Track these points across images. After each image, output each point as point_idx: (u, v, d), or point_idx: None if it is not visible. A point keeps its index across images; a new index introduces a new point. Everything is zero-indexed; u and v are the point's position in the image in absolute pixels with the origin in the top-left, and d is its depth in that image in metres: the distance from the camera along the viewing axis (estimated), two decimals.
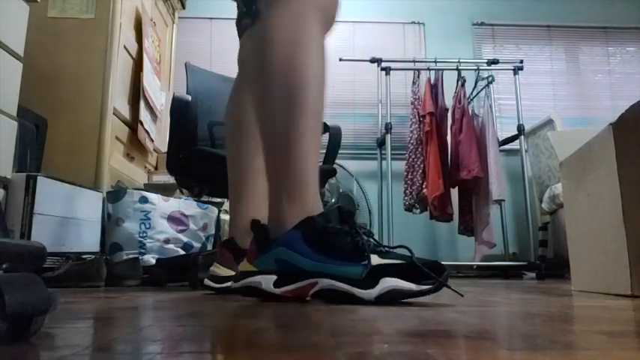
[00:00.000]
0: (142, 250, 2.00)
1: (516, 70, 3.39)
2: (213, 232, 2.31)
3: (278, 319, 0.64)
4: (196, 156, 1.66)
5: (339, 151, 1.95)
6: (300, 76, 0.95)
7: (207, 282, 1.22)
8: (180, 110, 1.75)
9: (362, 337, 0.48)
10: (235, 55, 1.29)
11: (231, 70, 2.35)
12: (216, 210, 2.35)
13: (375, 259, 0.84)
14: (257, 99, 1.02)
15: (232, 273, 1.15)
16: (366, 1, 4.13)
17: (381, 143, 3.51)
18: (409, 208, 3.32)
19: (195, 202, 2.21)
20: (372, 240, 0.88)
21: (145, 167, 2.84)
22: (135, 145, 2.65)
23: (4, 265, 0.47)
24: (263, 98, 0.99)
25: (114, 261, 1.92)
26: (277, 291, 0.88)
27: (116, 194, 2.08)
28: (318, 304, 0.84)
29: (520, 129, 3.28)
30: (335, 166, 1.94)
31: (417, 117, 3.35)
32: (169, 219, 2.09)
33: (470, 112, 3.32)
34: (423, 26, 4.14)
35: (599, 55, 4.24)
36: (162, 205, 2.09)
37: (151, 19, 2.92)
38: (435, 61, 3.42)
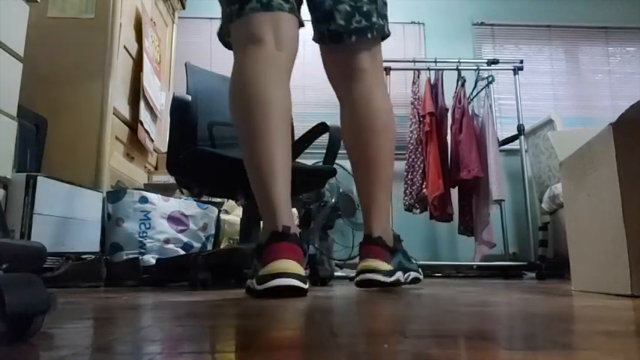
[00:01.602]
0: (142, 250, 2.00)
1: (516, 70, 3.39)
2: (213, 232, 2.31)
3: (278, 319, 0.64)
4: (196, 156, 1.66)
5: (339, 151, 1.95)
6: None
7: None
8: (180, 110, 1.74)
9: (362, 337, 0.48)
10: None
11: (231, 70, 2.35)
12: (216, 210, 2.35)
13: None
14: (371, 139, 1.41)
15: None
16: None
17: None
18: (409, 208, 3.32)
19: (195, 202, 2.21)
20: None
21: (145, 167, 2.84)
22: (135, 145, 2.64)
23: (4, 265, 0.47)
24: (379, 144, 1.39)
25: (114, 261, 1.92)
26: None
27: (116, 194, 2.08)
28: (316, 304, 0.84)
29: (520, 129, 3.28)
30: (335, 166, 1.94)
31: (416, 117, 3.35)
32: (169, 219, 2.09)
33: (470, 112, 3.32)
34: (423, 26, 4.14)
35: (599, 55, 4.24)
36: (163, 205, 2.09)
37: (151, 19, 2.92)
38: (435, 61, 3.42)
